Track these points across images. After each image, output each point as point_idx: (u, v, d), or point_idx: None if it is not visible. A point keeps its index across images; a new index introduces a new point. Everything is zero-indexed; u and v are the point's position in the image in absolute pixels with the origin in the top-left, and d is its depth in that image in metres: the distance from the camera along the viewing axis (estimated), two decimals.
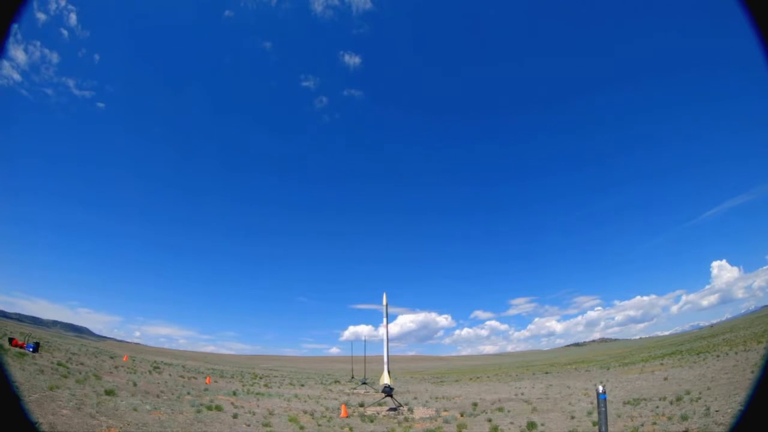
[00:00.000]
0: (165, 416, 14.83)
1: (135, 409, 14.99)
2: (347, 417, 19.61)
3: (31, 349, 30.31)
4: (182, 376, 39.20)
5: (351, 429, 16.48)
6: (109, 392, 17.48)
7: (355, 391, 41.30)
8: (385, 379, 24.96)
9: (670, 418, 15.00)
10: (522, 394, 31.45)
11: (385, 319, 26.30)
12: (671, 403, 18.47)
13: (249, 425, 15.36)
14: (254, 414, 18.20)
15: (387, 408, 23.51)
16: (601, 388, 10.66)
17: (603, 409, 10.45)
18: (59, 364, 25.99)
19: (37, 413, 11.00)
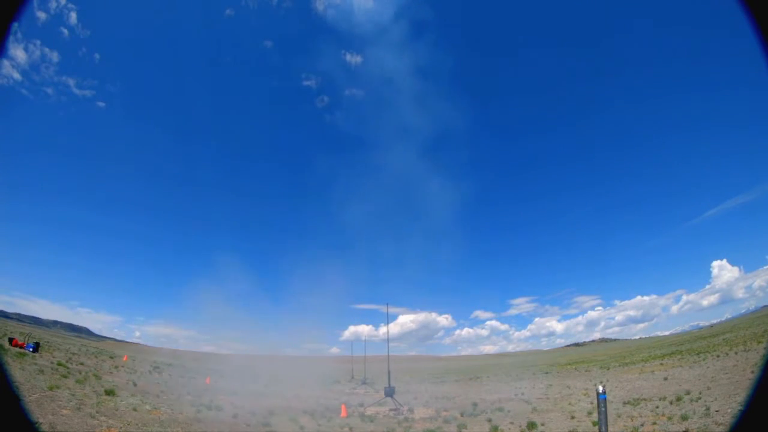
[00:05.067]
0: (165, 416, 14.84)
1: (135, 409, 14.99)
2: (347, 417, 19.61)
3: (31, 349, 30.31)
4: (182, 376, 39.20)
5: (351, 429, 16.49)
6: (109, 392, 17.48)
7: (355, 391, 41.29)
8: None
9: (670, 418, 15.00)
10: (522, 394, 31.44)
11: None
12: (671, 403, 18.47)
13: (249, 425, 15.37)
14: (254, 414, 18.20)
15: (387, 408, 23.52)
16: (601, 388, 10.67)
17: (603, 409, 10.45)
18: (59, 364, 26.00)
19: (37, 413, 11.00)
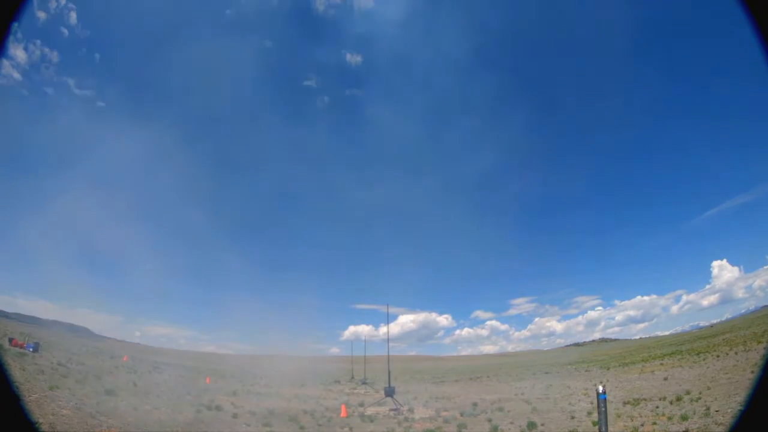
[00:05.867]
0: (165, 416, 14.85)
1: (135, 409, 15.00)
2: (347, 417, 19.62)
3: (31, 349, 30.31)
4: (182, 376, 39.19)
5: (351, 429, 16.50)
6: (109, 392, 17.49)
7: (355, 391, 41.30)
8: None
9: (670, 418, 15.01)
10: (522, 394, 31.45)
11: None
12: (671, 403, 18.48)
13: (249, 425, 15.38)
14: (254, 414, 18.21)
15: (387, 408, 23.53)
16: (601, 388, 10.67)
17: (603, 409, 10.45)
18: (59, 364, 25.99)
19: (37, 413, 11.00)
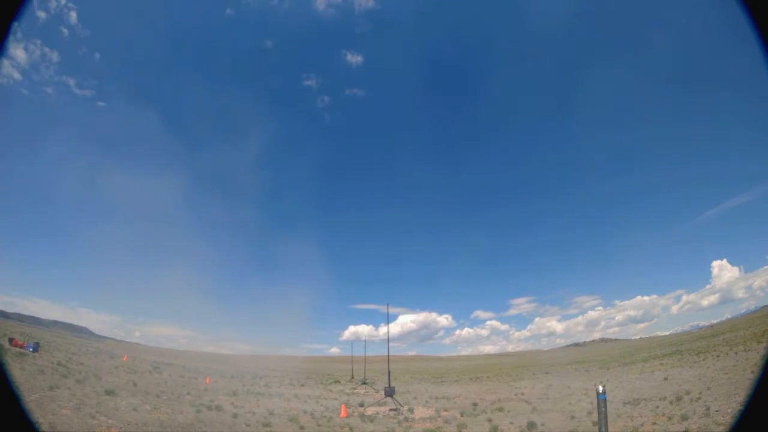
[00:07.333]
0: (165, 416, 14.84)
1: (135, 409, 15.00)
2: (347, 417, 19.62)
3: (31, 349, 30.31)
4: (182, 376, 39.17)
5: (351, 429, 16.49)
6: (109, 392, 17.49)
7: (355, 391, 41.30)
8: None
9: (670, 418, 15.00)
10: (522, 394, 31.44)
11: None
12: (671, 403, 18.47)
13: (249, 425, 15.37)
14: (254, 414, 18.20)
15: (387, 408, 23.53)
16: (601, 388, 10.67)
17: (603, 409, 10.45)
18: (59, 364, 25.99)
19: (37, 413, 11.01)
